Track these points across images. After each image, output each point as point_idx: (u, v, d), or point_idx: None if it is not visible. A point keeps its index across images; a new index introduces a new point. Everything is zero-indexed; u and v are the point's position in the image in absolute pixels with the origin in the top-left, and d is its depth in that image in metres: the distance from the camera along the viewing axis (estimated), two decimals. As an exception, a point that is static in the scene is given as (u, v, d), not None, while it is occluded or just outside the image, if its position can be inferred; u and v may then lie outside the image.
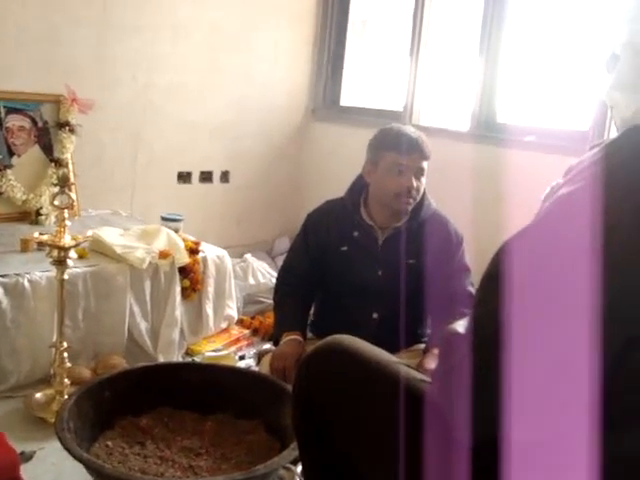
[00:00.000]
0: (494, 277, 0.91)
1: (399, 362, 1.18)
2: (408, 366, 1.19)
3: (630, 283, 0.85)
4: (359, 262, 2.21)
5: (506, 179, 3.14)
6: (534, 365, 0.86)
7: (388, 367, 1.14)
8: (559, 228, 0.90)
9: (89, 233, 2.36)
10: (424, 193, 2.24)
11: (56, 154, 3.14)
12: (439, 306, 2.05)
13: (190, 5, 3.63)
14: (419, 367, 1.96)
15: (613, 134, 1.07)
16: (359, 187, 2.30)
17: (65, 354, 2.21)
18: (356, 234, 2.23)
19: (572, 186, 0.91)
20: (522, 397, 0.85)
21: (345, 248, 2.23)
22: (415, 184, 2.15)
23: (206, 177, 3.96)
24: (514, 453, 0.87)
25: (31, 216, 3.06)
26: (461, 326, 0.96)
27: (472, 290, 2.17)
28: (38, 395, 2.27)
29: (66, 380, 2.23)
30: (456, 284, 2.17)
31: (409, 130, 2.20)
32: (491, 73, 3.56)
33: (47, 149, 3.16)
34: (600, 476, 0.83)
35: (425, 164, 2.18)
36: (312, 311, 2.41)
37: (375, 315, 2.21)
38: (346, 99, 4.37)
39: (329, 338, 1.24)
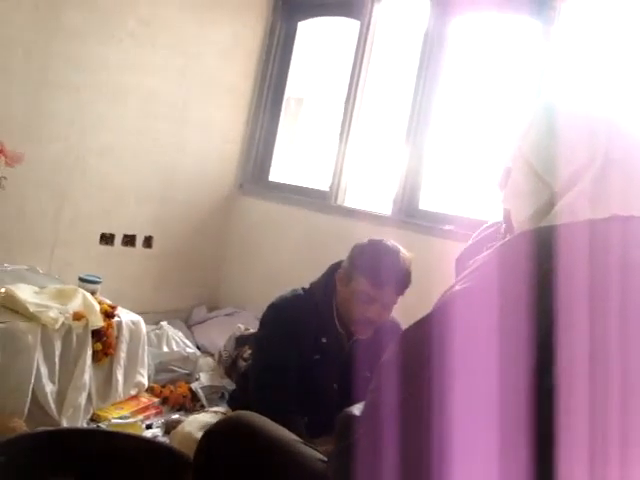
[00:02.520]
0: (389, 364, 0.97)
1: (300, 441, 1.21)
2: (311, 447, 1.22)
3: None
4: (323, 373, 2.07)
5: (424, 266, 3.24)
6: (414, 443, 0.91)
7: (289, 445, 1.17)
8: (446, 320, 0.97)
9: (2, 289, 2.32)
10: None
11: (-24, 205, 3.08)
12: None
13: (130, 70, 3.69)
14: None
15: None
16: (331, 287, 2.13)
17: (-38, 413, 2.13)
18: (324, 340, 2.09)
19: (463, 285, 0.99)
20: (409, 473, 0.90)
21: (318, 357, 2.08)
22: (377, 317, 2.05)
23: (129, 241, 3.93)
24: None
25: (-58, 266, 2.97)
26: (357, 409, 1.01)
27: None
28: None
29: (-40, 440, 2.14)
30: None
31: (395, 258, 2.03)
32: (415, 160, 3.72)
33: (-34, 199, 3.09)
34: None
35: (399, 298, 2.07)
36: (232, 385, 2.30)
37: (305, 419, 2.03)
38: (275, 175, 4.47)
39: (231, 414, 1.27)
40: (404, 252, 2.09)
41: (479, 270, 1.00)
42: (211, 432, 1.25)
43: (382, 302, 2.04)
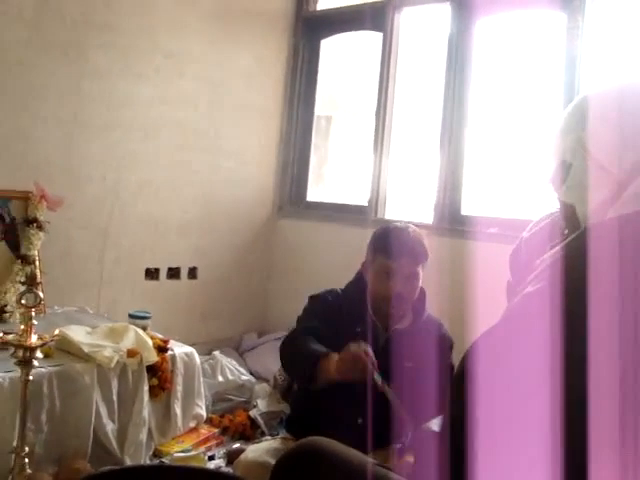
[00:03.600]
0: (463, 377, 0.93)
1: (374, 463, 1.17)
2: (383, 466, 1.18)
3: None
4: None
5: (471, 271, 3.19)
6: (502, 460, 0.87)
7: (363, 469, 1.13)
8: (525, 326, 0.93)
9: (56, 332, 2.32)
10: (424, 296, 2.21)
11: (23, 251, 3.11)
12: (423, 410, 2.01)
13: (159, 104, 3.72)
14: (394, 467, 1.91)
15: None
16: (362, 280, 2.24)
17: (26, 460, 2.13)
18: (359, 329, 2.12)
19: (536, 285, 0.94)
20: None
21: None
22: (402, 290, 2.11)
23: (174, 273, 3.95)
24: None
25: (-5, 314, 3.00)
26: (435, 425, 0.97)
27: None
28: (-3, 504, 2.16)
29: (27, 487, 2.13)
30: (443, 389, 2.11)
31: (404, 232, 2.15)
32: (453, 166, 3.68)
33: (13, 245, 3.12)
34: None
35: (418, 268, 2.13)
36: (289, 409, 2.34)
37: (360, 420, 2.07)
38: (312, 195, 4.46)
39: (302, 441, 1.23)
40: (413, 227, 2.21)
41: (549, 270, 0.96)
42: (284, 459, 1.22)
43: (401, 274, 2.11)
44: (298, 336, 2.13)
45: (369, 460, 1.19)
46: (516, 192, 3.50)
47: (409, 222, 2.27)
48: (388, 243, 2.12)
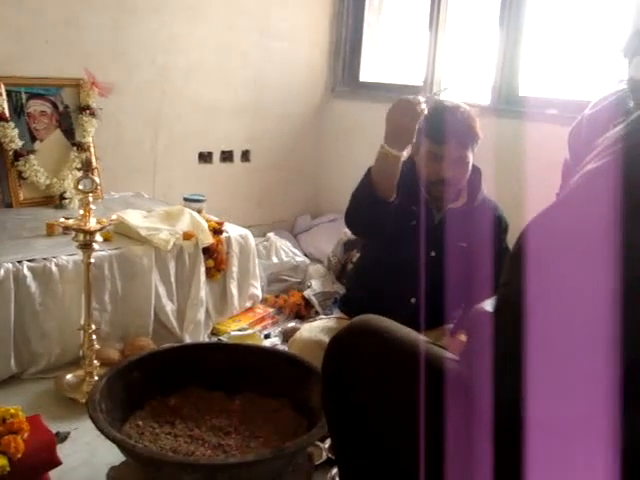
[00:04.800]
0: (519, 257, 0.91)
1: (428, 341, 1.19)
2: (438, 345, 1.19)
3: None
4: (417, 241, 2.04)
5: (529, 153, 3.11)
6: (556, 341, 0.87)
7: (416, 346, 1.15)
8: (585, 205, 0.90)
9: (113, 217, 2.38)
10: (480, 176, 2.18)
11: (78, 138, 3.17)
12: (477, 291, 2.00)
13: (207, -16, 3.62)
14: (447, 346, 1.95)
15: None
16: (412, 161, 2.19)
17: (94, 336, 2.25)
18: (414, 208, 2.12)
19: (598, 162, 0.90)
20: (544, 372, 0.86)
21: (413, 222, 2.11)
22: (451, 173, 2.07)
23: (227, 157, 3.96)
24: (535, 428, 0.87)
25: (55, 200, 3.08)
26: (489, 305, 0.96)
27: None
28: (69, 377, 2.31)
29: (95, 362, 2.27)
30: (497, 270, 2.10)
31: (453, 114, 2.06)
32: (512, 46, 3.51)
33: (68, 133, 3.18)
34: (618, 458, 0.84)
35: (467, 151, 2.08)
36: (343, 290, 2.36)
37: (413, 300, 2.13)
38: (365, 75, 4.34)
39: (357, 318, 1.25)
40: (465, 107, 2.11)
41: (613, 146, 0.91)
42: (339, 338, 1.25)
43: (450, 157, 2.06)
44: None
45: (422, 338, 1.21)
46: (577, 72, 3.34)
47: (456, 102, 2.18)
48: (435, 126, 2.04)
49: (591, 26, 3.22)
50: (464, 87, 3.88)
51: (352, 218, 2.09)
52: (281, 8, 4.01)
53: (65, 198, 3.07)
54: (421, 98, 1.90)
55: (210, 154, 3.88)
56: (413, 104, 1.88)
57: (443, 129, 2.03)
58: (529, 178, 2.96)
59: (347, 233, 3.32)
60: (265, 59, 3.99)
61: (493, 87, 3.57)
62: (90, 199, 2.16)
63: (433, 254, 2.10)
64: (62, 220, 2.25)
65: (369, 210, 2.00)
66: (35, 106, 3.10)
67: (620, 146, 0.89)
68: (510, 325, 0.88)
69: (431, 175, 2.10)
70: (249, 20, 3.85)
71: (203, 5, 3.64)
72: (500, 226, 2.21)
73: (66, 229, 2.36)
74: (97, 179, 2.23)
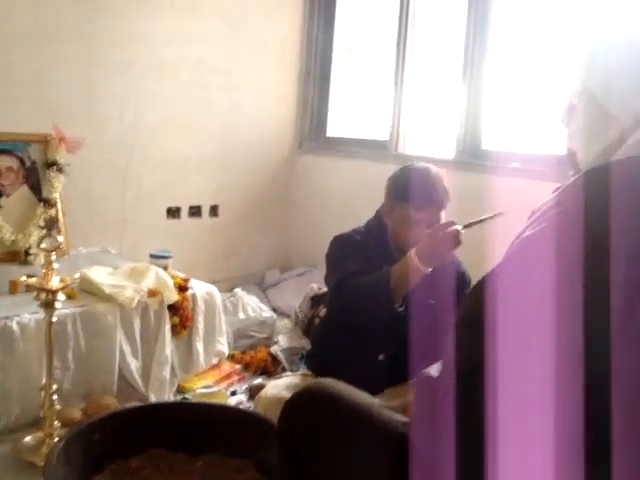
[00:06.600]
0: (470, 319, 0.94)
1: (381, 405, 1.20)
2: (391, 409, 1.20)
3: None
4: None
5: (492, 206, 3.16)
6: (511, 401, 0.88)
7: (368, 412, 1.15)
8: (522, 268, 0.93)
9: (76, 275, 2.37)
10: None
11: (45, 194, 3.15)
12: (437, 346, 2.00)
13: (176, 42, 3.67)
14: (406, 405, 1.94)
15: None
16: (383, 222, 2.20)
17: (55, 396, 2.21)
18: (384, 268, 2.09)
19: (534, 229, 0.94)
20: (502, 430, 0.87)
21: None
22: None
23: (195, 212, 3.98)
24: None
25: (20, 256, 3.05)
26: (434, 370, 0.98)
27: None
28: (27, 438, 2.25)
29: (56, 422, 2.22)
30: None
31: (425, 177, 2.08)
32: (474, 100, 3.60)
33: (35, 189, 3.16)
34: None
35: (441, 214, 2.09)
36: (310, 345, 2.35)
37: (381, 357, 2.12)
38: (332, 130, 4.41)
39: (313, 382, 1.26)
40: (434, 168, 2.14)
41: (548, 213, 0.95)
42: (293, 400, 1.26)
43: (425, 222, 2.06)
44: (350, 279, 2.04)
45: (375, 402, 1.22)
46: (538, 126, 3.42)
47: (427, 161, 2.21)
48: (409, 191, 2.04)
49: (553, 79, 3.32)
50: (428, 141, 3.96)
51: (350, 309, 2.06)
52: (250, 64, 4.08)
53: (30, 254, 3.05)
54: (458, 227, 1.92)
55: (178, 209, 3.89)
56: (457, 237, 1.91)
57: (416, 193, 2.03)
58: (493, 231, 3.00)
59: (314, 288, 3.33)
60: (233, 114, 4.04)
61: (457, 141, 3.65)
62: (53, 257, 2.14)
63: (401, 310, 2.08)
64: (24, 278, 2.23)
65: (375, 311, 2.00)
66: (2, 162, 3.08)
67: (556, 212, 0.93)
68: (467, 385, 0.90)
69: (402, 237, 2.10)
70: (218, 76, 3.91)
71: (173, 62, 3.69)
72: (464, 281, 2.23)
73: (29, 287, 2.33)
74: (60, 238, 2.23)
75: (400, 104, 3.93)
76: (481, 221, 1.96)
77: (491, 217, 1.95)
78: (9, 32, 3.10)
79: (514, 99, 3.53)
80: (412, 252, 1.93)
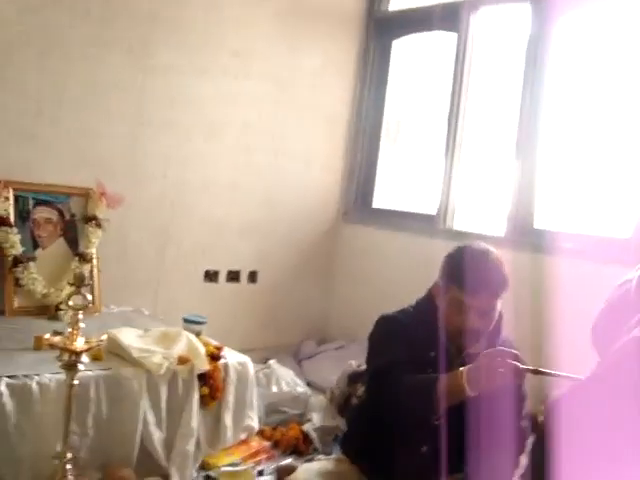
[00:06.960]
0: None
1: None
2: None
3: None
4: None
5: (544, 286, 3.00)
6: None
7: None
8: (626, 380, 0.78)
9: (103, 337, 2.24)
10: (501, 320, 1.99)
11: (81, 248, 3.10)
12: (490, 439, 1.80)
13: (224, 104, 3.66)
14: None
15: None
16: (434, 303, 2.01)
17: (69, 466, 2.06)
18: (432, 354, 1.93)
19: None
20: None
21: (430, 370, 1.91)
22: (478, 325, 1.89)
23: (233, 277, 3.88)
24: None
25: (51, 311, 2.97)
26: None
27: (525, 424, 1.95)
28: (37, 511, 2.10)
29: (68, 495, 2.07)
30: (514, 417, 1.87)
31: (483, 261, 1.91)
32: (528, 177, 3.49)
33: (72, 243, 3.12)
34: None
35: (498, 301, 1.91)
36: (346, 426, 2.18)
37: (424, 448, 1.92)
38: (378, 201, 4.32)
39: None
40: (494, 251, 1.96)
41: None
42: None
43: (478, 309, 1.88)
44: (394, 372, 1.87)
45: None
46: (593, 207, 3.28)
47: (477, 238, 2.06)
48: (464, 274, 1.87)
49: (610, 160, 3.19)
50: (478, 217, 3.82)
51: (386, 409, 1.89)
52: (298, 129, 4.04)
53: (61, 309, 2.96)
54: (523, 366, 1.71)
55: (216, 273, 3.80)
56: (518, 373, 1.70)
57: (472, 278, 1.86)
58: (545, 313, 2.84)
59: (352, 364, 3.16)
60: (278, 179, 3.98)
61: (508, 218, 3.52)
62: (80, 317, 2.03)
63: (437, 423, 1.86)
64: (48, 337, 2.12)
65: (411, 418, 1.83)
66: (41, 213, 3.07)
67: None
68: None
69: (455, 323, 1.92)
70: (265, 140, 3.88)
71: (220, 123, 3.67)
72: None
73: (52, 345, 2.22)
74: (89, 296, 2.11)
75: (450, 177, 3.83)
76: (552, 375, 1.74)
77: (567, 376, 1.72)
78: (60, 86, 3.12)
79: (568, 177, 3.41)
80: (464, 371, 1.73)
